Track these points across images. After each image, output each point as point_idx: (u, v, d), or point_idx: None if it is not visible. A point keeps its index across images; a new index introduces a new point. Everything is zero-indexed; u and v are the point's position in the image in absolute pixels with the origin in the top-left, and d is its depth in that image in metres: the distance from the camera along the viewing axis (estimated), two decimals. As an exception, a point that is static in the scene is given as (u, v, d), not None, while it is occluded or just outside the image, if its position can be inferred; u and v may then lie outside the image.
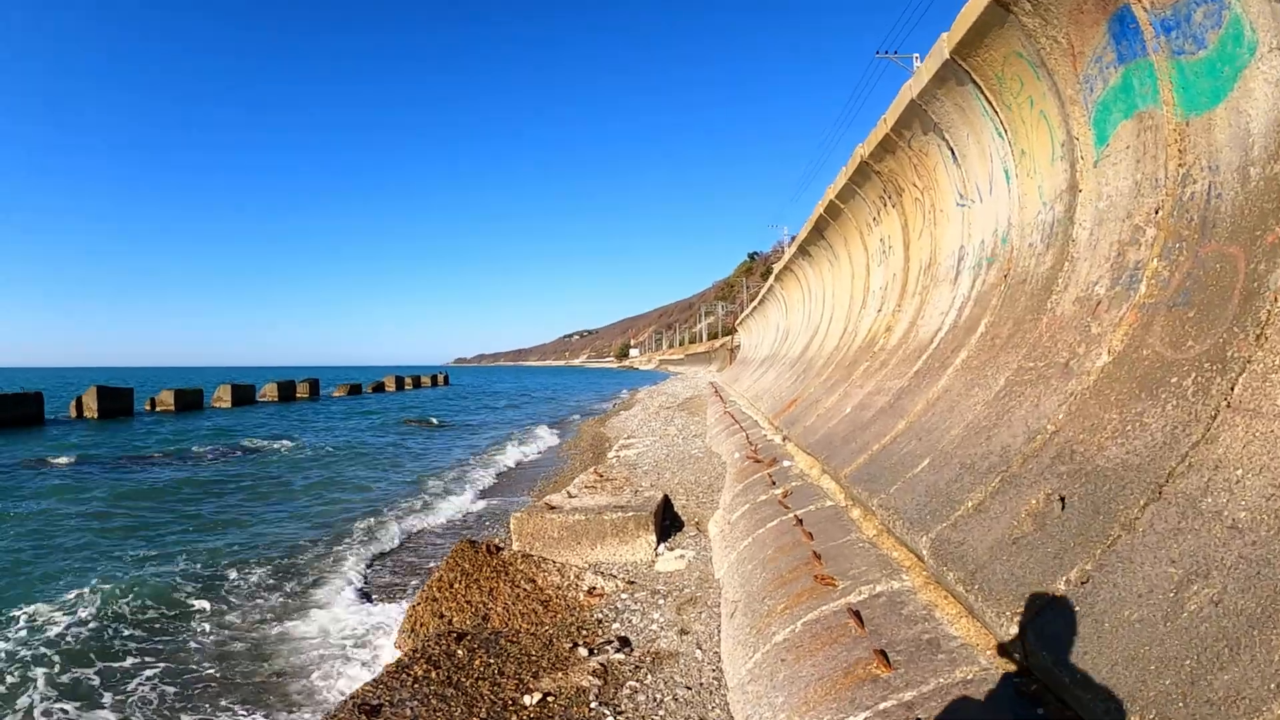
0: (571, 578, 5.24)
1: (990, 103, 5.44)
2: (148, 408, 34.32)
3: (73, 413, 29.44)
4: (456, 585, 5.23)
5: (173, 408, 34.48)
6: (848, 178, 8.85)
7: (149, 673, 5.32)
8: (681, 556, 5.58)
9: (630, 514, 5.83)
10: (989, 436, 3.83)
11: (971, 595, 2.71)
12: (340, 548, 8.46)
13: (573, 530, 5.91)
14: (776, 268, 17.89)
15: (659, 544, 5.89)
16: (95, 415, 29.09)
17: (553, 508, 6.24)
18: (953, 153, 6.37)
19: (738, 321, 42.72)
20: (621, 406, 28.31)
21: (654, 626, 4.29)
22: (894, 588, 3.21)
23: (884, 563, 3.53)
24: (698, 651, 3.80)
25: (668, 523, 6.51)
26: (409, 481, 12.96)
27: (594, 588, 5.12)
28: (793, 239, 16.38)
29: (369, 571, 7.62)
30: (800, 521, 4.62)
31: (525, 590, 5.11)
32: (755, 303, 26.43)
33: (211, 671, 5.35)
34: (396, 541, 8.75)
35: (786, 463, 6.59)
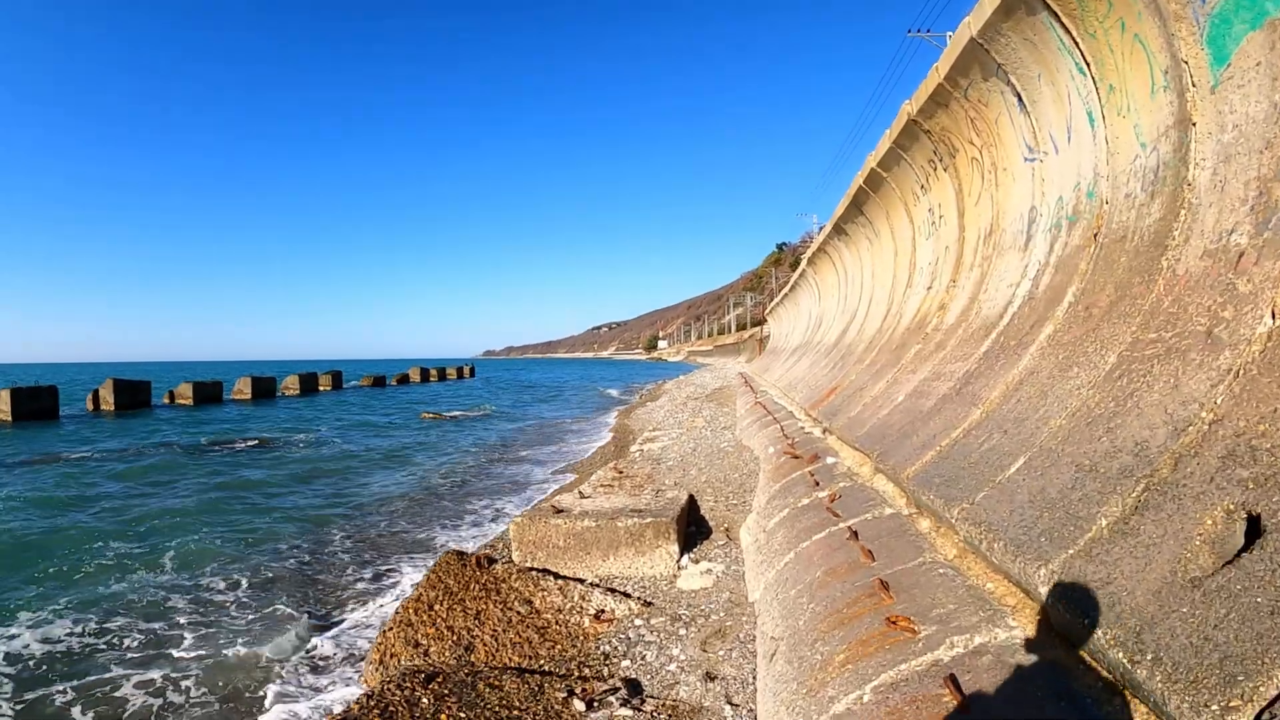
0: (576, 598, 4.39)
1: (1069, 32, 4.50)
2: (166, 401, 33.91)
3: (89, 406, 29.21)
4: (438, 607, 4.41)
5: (191, 401, 33.90)
6: (892, 140, 7.89)
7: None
8: (708, 571, 4.71)
9: (648, 520, 4.97)
10: (1110, 429, 2.91)
11: (1141, 670, 1.81)
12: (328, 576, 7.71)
13: (581, 539, 5.07)
14: (809, 252, 16.90)
15: (682, 555, 5.03)
16: (112, 409, 28.82)
17: (559, 511, 5.40)
18: (1019, 99, 5.42)
19: (767, 311, 41.60)
20: (648, 398, 27.44)
21: (673, 667, 3.43)
22: (1000, 640, 2.32)
23: (977, 599, 2.63)
24: (727, 708, 2.93)
25: (693, 529, 5.65)
26: (418, 483, 12.17)
27: (602, 611, 4.27)
28: (821, 227, 15.42)
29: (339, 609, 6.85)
30: (855, 534, 3.72)
31: (519, 614, 4.28)
32: (786, 289, 25.38)
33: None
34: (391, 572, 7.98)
35: (830, 459, 5.68)
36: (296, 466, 13.97)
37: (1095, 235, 4.47)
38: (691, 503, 6.07)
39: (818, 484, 5.06)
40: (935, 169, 7.52)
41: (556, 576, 4.70)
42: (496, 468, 13.06)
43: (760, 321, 68.33)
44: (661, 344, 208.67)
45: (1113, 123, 4.36)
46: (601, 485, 6.70)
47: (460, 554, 4.87)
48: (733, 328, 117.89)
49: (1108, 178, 4.45)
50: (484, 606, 4.39)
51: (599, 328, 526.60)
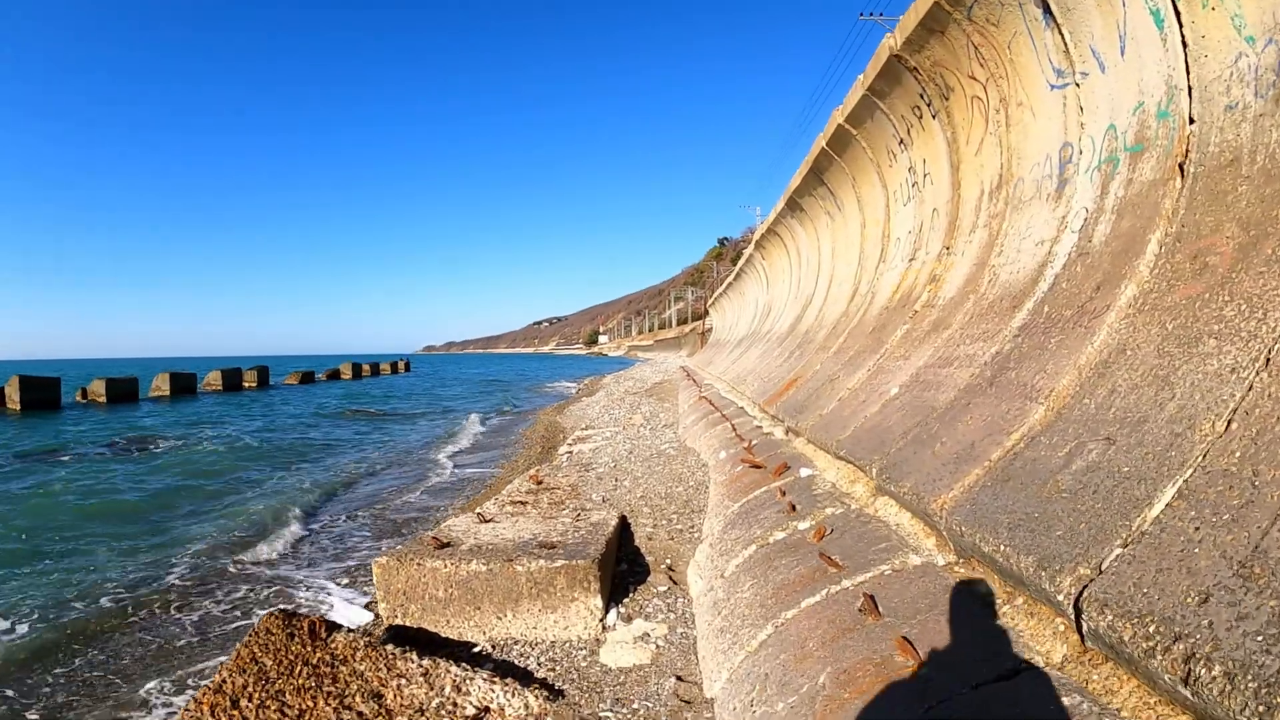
0: (447, 690, 2.93)
1: (1127, -94, 3.27)
2: (79, 399, 31.32)
3: (-7, 404, 26.57)
4: (247, 702, 2.91)
5: (104, 399, 31.41)
6: (866, 87, 6.60)
7: None
8: (645, 637, 3.30)
9: (559, 563, 3.53)
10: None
11: None
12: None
13: (468, 587, 3.61)
14: (756, 235, 15.64)
15: (608, 609, 3.61)
16: (18, 408, 26.19)
17: (443, 546, 3.92)
18: (1046, 9, 4.16)
19: (709, 302, 40.40)
20: (584, 392, 25.90)
21: (583, 840, 2.02)
22: None
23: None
24: None
25: (624, 567, 4.23)
26: (303, 497, 10.31)
27: (486, 709, 2.83)
28: (765, 219, 14.29)
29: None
30: (873, 603, 2.36)
31: (361, 717, 2.80)
32: (730, 278, 24.16)
33: None
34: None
35: (805, 471, 4.32)
36: (174, 472, 12.11)
37: (1180, 165, 3.20)
38: (623, 528, 4.66)
39: (794, 508, 3.70)
40: (920, 117, 6.25)
41: (424, 651, 3.21)
42: (402, 476, 11.38)
43: (701, 315, 67.31)
44: (602, 339, 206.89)
45: (1195, 19, 3.10)
46: (512, 502, 5.24)
47: (288, 615, 3.35)
48: (673, 322, 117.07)
49: (1190, 89, 3.19)
50: (311, 703, 2.90)
51: (540, 323, 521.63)
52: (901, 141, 6.79)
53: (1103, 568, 1.82)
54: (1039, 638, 1.95)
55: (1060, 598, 1.88)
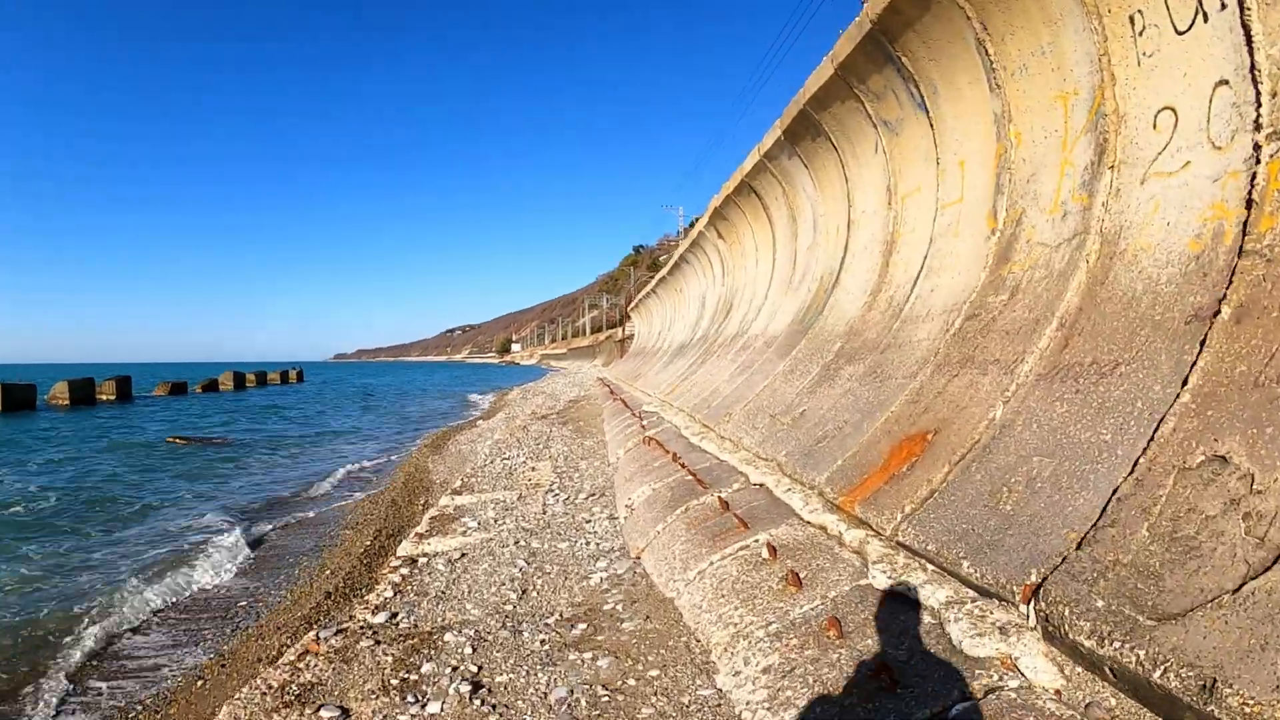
0: None
1: None
2: None
3: None
4: None
5: None
6: None
7: None
8: None
9: None
10: None
11: None
12: None
13: None
14: (714, 201, 11.33)
15: None
16: None
17: None
18: None
19: (631, 305, 35.92)
20: (482, 415, 20.89)
21: None
22: None
23: None
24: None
25: None
26: None
27: None
28: (693, 222, 10.12)
29: None
30: None
31: None
32: (665, 271, 19.77)
33: None
34: None
35: None
36: None
37: None
38: None
39: None
40: None
41: None
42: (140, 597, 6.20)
43: (617, 324, 62.90)
44: (515, 347, 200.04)
45: None
46: None
47: None
48: (588, 330, 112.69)
49: None
50: None
51: (452, 331, 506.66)
52: None
53: None
54: None
55: None
